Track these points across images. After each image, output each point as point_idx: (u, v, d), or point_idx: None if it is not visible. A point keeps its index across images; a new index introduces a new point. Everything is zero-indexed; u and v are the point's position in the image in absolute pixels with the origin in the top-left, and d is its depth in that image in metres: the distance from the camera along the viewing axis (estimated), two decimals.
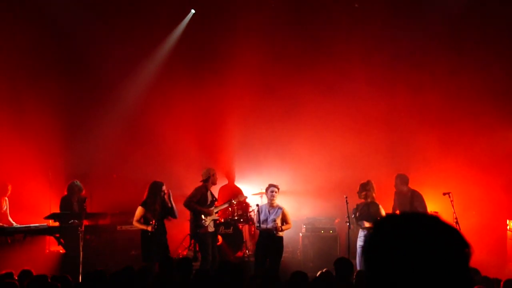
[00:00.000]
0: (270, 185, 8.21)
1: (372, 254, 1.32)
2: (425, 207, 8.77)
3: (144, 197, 8.12)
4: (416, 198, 8.76)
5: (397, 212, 8.66)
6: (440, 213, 8.77)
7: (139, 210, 8.02)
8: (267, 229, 8.00)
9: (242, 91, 11.09)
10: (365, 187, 8.02)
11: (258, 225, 8.15)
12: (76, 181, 9.23)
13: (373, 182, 8.13)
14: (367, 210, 7.91)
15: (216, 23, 11.42)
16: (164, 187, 8.15)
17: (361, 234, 8.00)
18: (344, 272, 5.44)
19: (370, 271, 1.31)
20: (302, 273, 5.23)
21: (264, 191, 8.43)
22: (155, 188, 8.09)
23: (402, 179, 8.92)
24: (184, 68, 11.43)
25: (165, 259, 6.26)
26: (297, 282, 5.02)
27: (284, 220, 8.11)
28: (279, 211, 8.08)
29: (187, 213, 9.56)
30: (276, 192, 8.10)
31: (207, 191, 8.50)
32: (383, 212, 7.97)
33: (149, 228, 7.88)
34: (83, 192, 9.22)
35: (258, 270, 7.65)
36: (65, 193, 9.18)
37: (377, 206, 7.96)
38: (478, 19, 10.74)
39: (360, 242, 7.98)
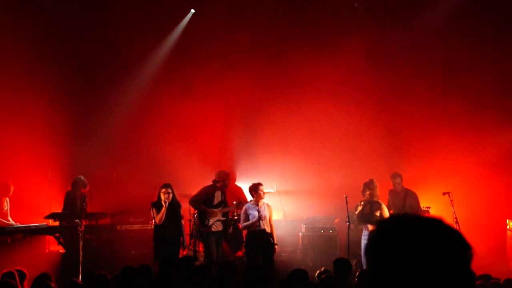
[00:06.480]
0: (260, 184, 8.13)
1: (374, 255, 1.32)
2: (418, 205, 8.77)
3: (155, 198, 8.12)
4: (410, 196, 8.75)
5: (391, 211, 8.54)
6: (433, 210, 8.82)
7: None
8: (257, 228, 7.87)
9: (243, 91, 11.09)
10: (369, 186, 7.97)
11: (245, 225, 8.03)
12: (81, 176, 9.13)
13: (375, 181, 8.11)
14: (370, 208, 7.89)
15: (216, 23, 11.41)
16: (165, 189, 8.00)
17: (365, 232, 7.94)
18: (342, 272, 5.48)
19: (372, 271, 1.32)
20: (302, 270, 5.21)
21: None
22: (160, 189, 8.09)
23: (401, 177, 8.93)
24: (184, 68, 11.42)
25: (166, 259, 6.24)
26: (297, 280, 5.00)
27: (270, 216, 8.08)
28: (267, 208, 8.08)
29: (187, 214, 9.57)
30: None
31: (214, 192, 8.42)
32: (386, 211, 7.95)
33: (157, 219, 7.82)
34: (88, 188, 9.11)
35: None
36: (69, 188, 9.09)
37: (380, 205, 7.92)
38: (479, 14, 10.70)
39: (364, 240, 7.93)
